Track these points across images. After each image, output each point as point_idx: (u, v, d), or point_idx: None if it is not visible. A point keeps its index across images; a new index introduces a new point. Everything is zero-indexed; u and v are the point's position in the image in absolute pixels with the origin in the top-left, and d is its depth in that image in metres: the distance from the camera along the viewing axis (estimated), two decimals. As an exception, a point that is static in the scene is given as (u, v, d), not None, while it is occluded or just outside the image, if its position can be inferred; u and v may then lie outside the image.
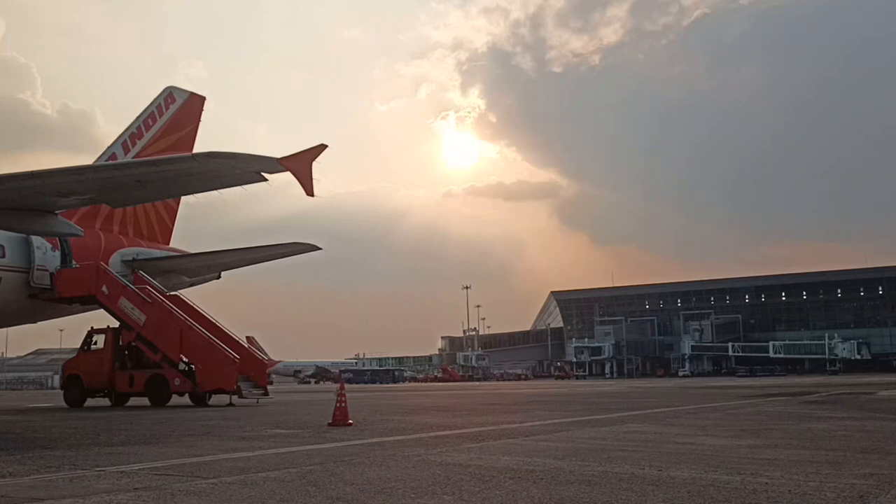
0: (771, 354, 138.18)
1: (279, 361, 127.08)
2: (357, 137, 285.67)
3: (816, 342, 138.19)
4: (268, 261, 33.53)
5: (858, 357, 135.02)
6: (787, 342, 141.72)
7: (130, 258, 31.10)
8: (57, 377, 74.53)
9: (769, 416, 17.12)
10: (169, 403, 27.00)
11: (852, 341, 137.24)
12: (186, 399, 28.10)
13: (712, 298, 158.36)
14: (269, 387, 30.49)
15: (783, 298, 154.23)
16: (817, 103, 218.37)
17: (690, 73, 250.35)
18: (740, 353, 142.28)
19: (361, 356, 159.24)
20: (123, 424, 16.09)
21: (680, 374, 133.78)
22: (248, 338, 46.59)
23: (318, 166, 14.35)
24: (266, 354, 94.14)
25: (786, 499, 5.78)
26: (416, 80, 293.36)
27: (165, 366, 26.94)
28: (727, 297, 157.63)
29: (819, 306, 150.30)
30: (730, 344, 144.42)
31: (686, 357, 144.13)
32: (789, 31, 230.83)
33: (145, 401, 27.55)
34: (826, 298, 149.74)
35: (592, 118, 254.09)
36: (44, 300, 27.55)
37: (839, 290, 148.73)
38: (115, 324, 27.95)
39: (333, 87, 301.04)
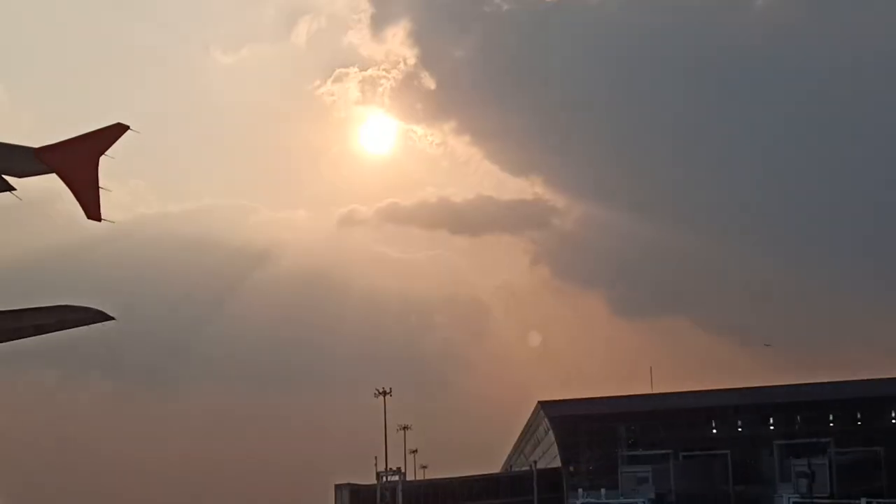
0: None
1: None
2: (180, 115, 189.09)
3: None
4: (6, 341, 20.64)
5: None
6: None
7: None
8: None
9: None
10: None
11: None
12: None
13: (832, 417, 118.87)
14: None
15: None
16: None
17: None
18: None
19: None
20: None
21: None
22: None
23: (109, 165, 12.02)
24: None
25: None
26: (291, 10, 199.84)
27: None
28: (859, 415, 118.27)
29: None
30: (864, 501, 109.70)
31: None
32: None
33: None
34: None
35: (614, 81, 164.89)
36: None
37: None
38: None
39: (133, 19, 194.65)
